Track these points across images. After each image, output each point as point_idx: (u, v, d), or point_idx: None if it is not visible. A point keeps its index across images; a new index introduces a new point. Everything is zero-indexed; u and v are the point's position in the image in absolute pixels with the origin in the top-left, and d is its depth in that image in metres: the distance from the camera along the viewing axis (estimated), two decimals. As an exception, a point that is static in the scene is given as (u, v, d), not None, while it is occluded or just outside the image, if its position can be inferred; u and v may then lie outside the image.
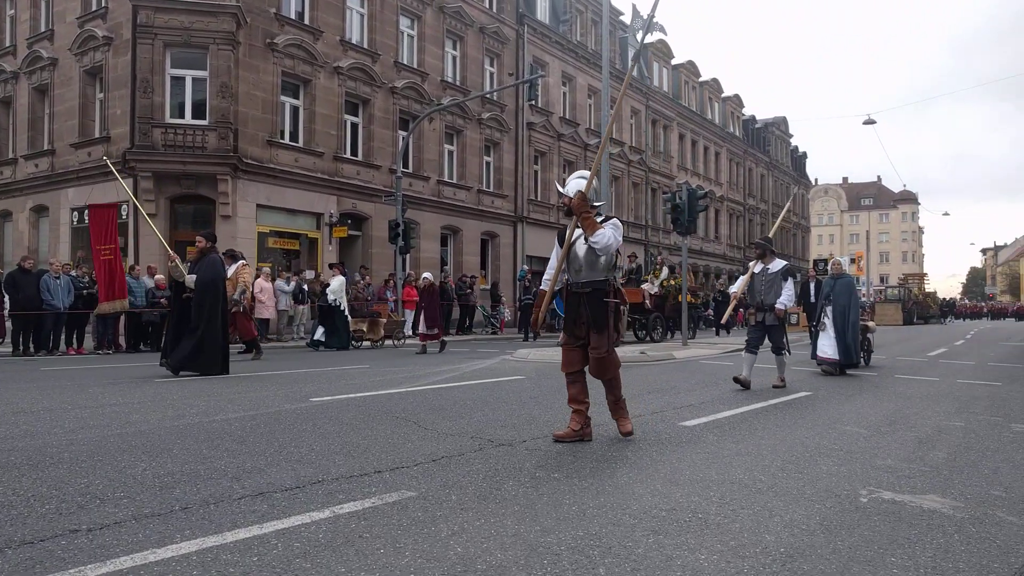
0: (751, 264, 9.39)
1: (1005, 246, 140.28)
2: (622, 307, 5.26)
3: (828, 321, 10.79)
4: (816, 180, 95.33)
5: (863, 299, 45.10)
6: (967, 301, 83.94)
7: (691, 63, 43.08)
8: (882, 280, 78.60)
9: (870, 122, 37.98)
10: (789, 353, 9.07)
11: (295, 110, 20.72)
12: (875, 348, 16.73)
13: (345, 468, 4.21)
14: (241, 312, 12.17)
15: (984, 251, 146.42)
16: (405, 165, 22.91)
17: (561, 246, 5.21)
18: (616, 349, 5.31)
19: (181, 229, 18.77)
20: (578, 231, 5.12)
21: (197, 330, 9.30)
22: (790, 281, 8.77)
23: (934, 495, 3.87)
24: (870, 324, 12.64)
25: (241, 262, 12.47)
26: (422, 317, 14.61)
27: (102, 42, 19.07)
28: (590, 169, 5.48)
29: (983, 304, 79.54)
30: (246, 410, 6.38)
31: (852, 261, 55.35)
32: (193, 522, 3.14)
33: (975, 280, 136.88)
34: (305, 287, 18.07)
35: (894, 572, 2.74)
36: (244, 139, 18.75)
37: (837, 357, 10.53)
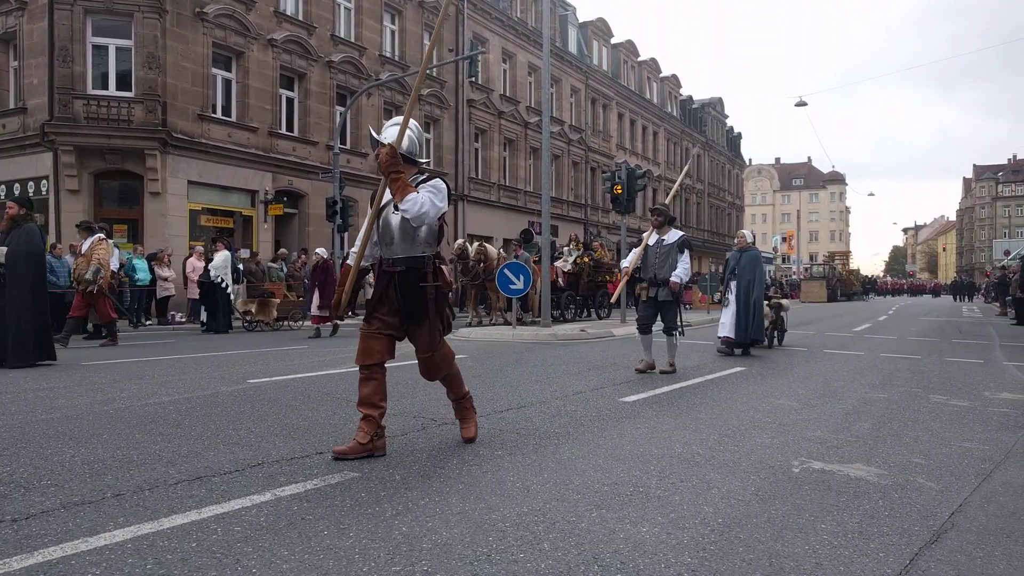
0: (645, 235, 8.33)
1: (924, 225, 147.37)
2: (445, 291, 4.21)
3: (732, 297, 10.11)
4: (750, 160, 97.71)
5: (793, 276, 46.00)
6: (889, 278, 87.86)
7: (630, 42, 43.32)
8: (811, 258, 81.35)
9: (802, 104, 39.06)
10: (682, 334, 8.20)
11: (227, 83, 19.99)
12: (802, 324, 17.33)
13: (286, 450, 4.14)
14: (95, 293, 10.53)
15: (905, 230, 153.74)
16: (343, 141, 22.44)
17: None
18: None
19: (107, 206, 17.99)
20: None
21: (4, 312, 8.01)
22: (687, 253, 7.84)
23: (860, 464, 4.06)
24: (783, 302, 12.03)
25: (97, 236, 10.83)
26: (315, 297, 13.32)
27: (15, 6, 17.95)
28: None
29: (903, 281, 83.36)
30: (180, 393, 6.19)
31: (784, 240, 57.08)
32: (127, 509, 3.05)
33: (897, 258, 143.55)
34: (240, 266, 17.55)
35: (824, 538, 2.86)
36: (173, 112, 18.02)
37: (734, 336, 9.93)
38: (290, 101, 21.82)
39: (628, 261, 8.49)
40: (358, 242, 4.22)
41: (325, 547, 2.66)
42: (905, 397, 6.51)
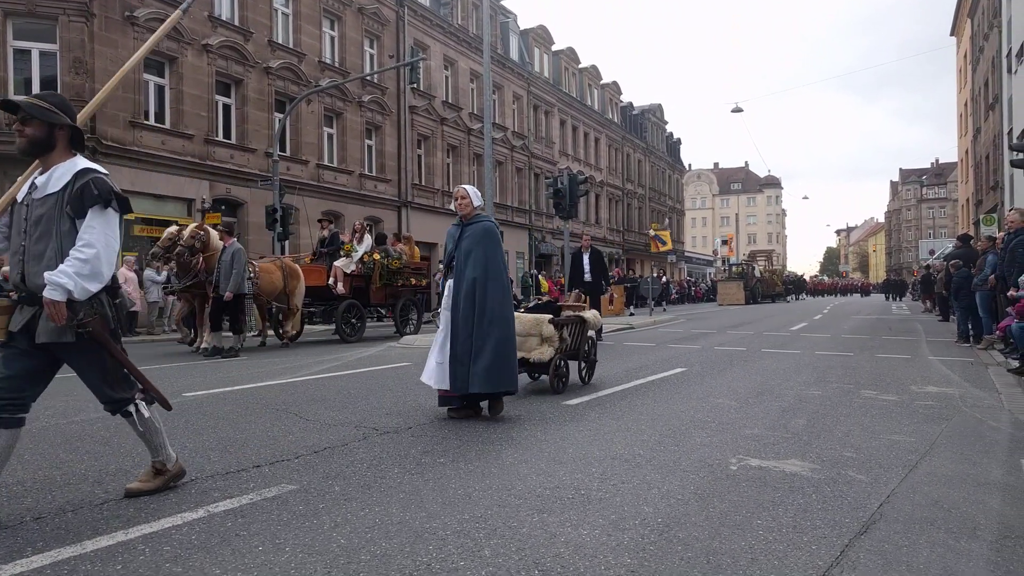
0: (21, 178, 3.72)
1: (856, 227, 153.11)
2: None
3: (447, 313, 5.52)
4: (690, 165, 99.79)
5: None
6: (825, 278, 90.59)
7: (571, 50, 43.77)
8: (748, 258, 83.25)
9: (738, 110, 40.09)
10: (147, 403, 3.70)
11: (160, 89, 19.40)
12: (742, 324, 17.58)
13: (221, 464, 4.02)
14: None
15: (838, 232, 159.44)
16: (282, 149, 22.01)
17: None
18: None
19: (32, 216, 17.22)
20: None
21: None
22: (105, 214, 3.40)
23: (795, 459, 4.16)
24: (588, 315, 7.56)
25: None
26: None
27: (-71, 8, 17.09)
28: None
29: (835, 281, 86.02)
30: (110, 409, 5.95)
31: (724, 243, 58.07)
32: (47, 533, 2.91)
33: (831, 259, 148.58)
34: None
35: (760, 533, 2.92)
36: (103, 120, 17.39)
37: (444, 386, 5.36)
38: (227, 108, 21.31)
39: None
40: None
41: (259, 563, 2.59)
42: (838, 393, 6.72)
